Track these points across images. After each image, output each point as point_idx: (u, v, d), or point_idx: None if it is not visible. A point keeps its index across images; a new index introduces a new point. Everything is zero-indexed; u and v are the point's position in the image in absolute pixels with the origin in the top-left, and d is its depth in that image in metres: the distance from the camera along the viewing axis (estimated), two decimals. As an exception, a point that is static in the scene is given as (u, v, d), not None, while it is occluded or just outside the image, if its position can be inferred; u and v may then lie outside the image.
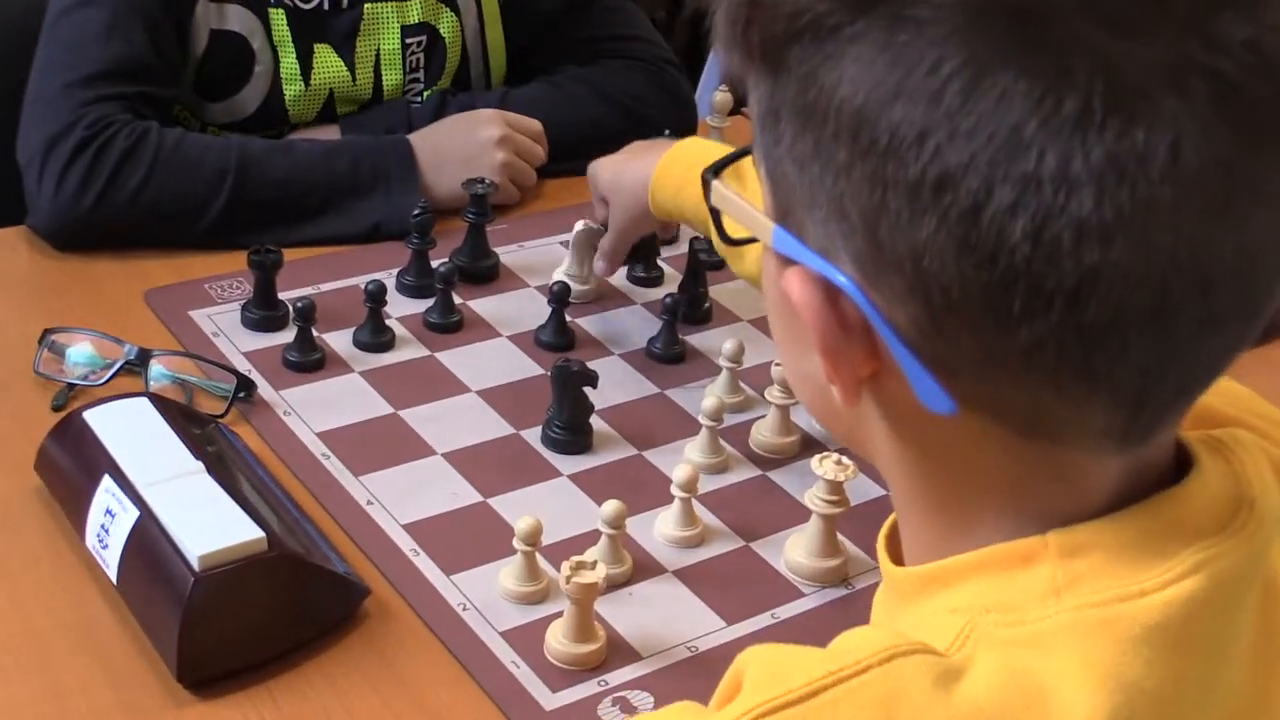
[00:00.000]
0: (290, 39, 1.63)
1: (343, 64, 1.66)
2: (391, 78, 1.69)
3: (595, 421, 1.30)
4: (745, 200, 0.66)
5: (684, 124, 1.76)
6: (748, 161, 0.68)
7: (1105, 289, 0.53)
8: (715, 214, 0.70)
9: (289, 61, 1.63)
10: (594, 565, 1.04)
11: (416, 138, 1.58)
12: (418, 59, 1.70)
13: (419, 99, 1.70)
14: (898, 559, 0.69)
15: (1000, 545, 0.61)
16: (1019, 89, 0.52)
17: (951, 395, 0.58)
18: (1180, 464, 0.63)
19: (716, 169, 0.70)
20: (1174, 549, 0.59)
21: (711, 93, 1.87)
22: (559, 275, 1.48)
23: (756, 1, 0.59)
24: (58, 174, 1.46)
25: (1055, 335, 0.54)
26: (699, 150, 1.32)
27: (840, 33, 0.56)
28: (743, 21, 0.60)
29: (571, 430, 1.27)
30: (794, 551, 1.17)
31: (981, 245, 0.53)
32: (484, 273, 1.52)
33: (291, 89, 1.64)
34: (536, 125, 1.66)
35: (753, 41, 0.59)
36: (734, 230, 0.69)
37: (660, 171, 1.32)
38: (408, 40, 1.69)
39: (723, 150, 1.11)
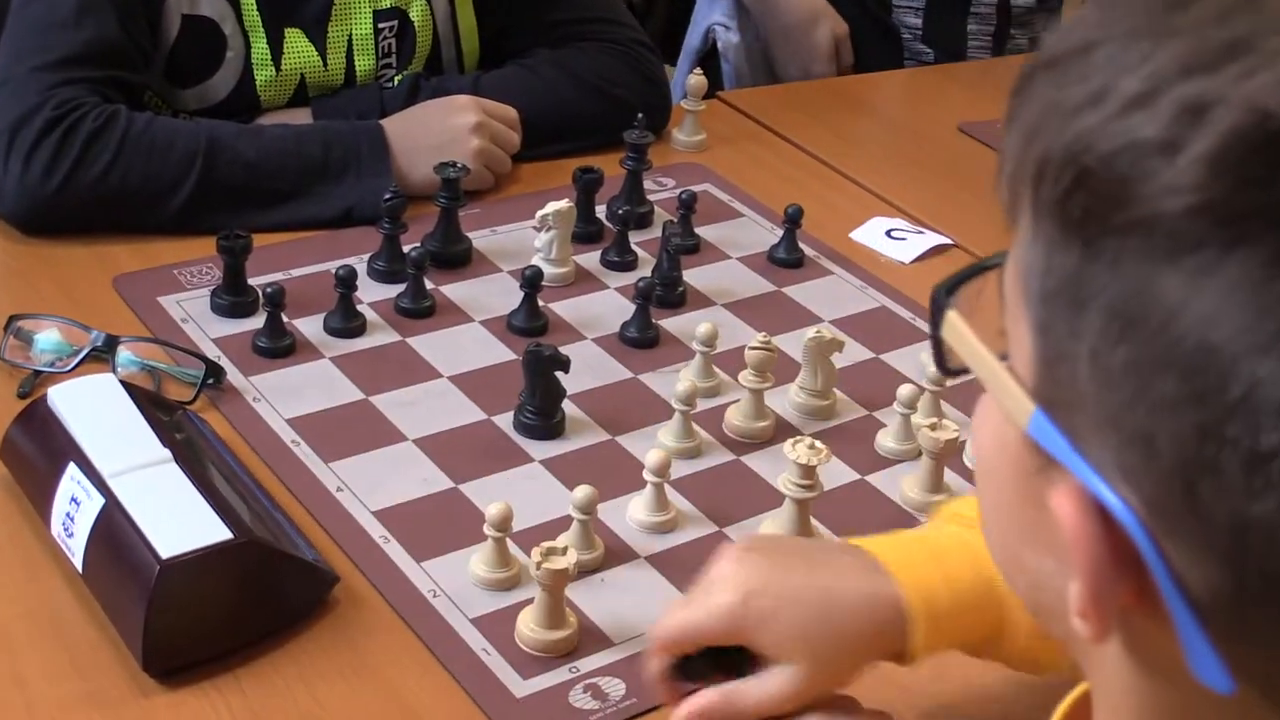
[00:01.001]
0: (261, 23, 1.61)
1: (314, 49, 1.64)
2: (364, 63, 1.68)
3: (567, 406, 1.29)
4: (991, 356, 0.57)
5: (659, 108, 1.75)
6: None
7: None
8: (938, 341, 0.61)
9: (260, 46, 1.62)
10: (565, 551, 1.03)
11: (389, 123, 1.57)
12: (390, 44, 1.69)
13: (391, 84, 1.69)
14: None
15: None
16: None
17: (1230, 672, 0.50)
18: None
19: (950, 287, 0.61)
20: None
21: (686, 76, 1.86)
22: (536, 260, 1.47)
23: (1092, 176, 0.49)
24: (24, 156, 1.44)
25: None
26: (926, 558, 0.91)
27: (1206, 252, 0.46)
28: (1062, 187, 0.50)
29: (544, 415, 1.27)
30: (770, 533, 1.17)
31: None
32: (456, 257, 1.51)
33: (263, 74, 1.62)
34: (512, 113, 1.65)
35: (1069, 212, 0.50)
36: (958, 360, 0.61)
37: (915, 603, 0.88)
38: (380, 25, 1.67)
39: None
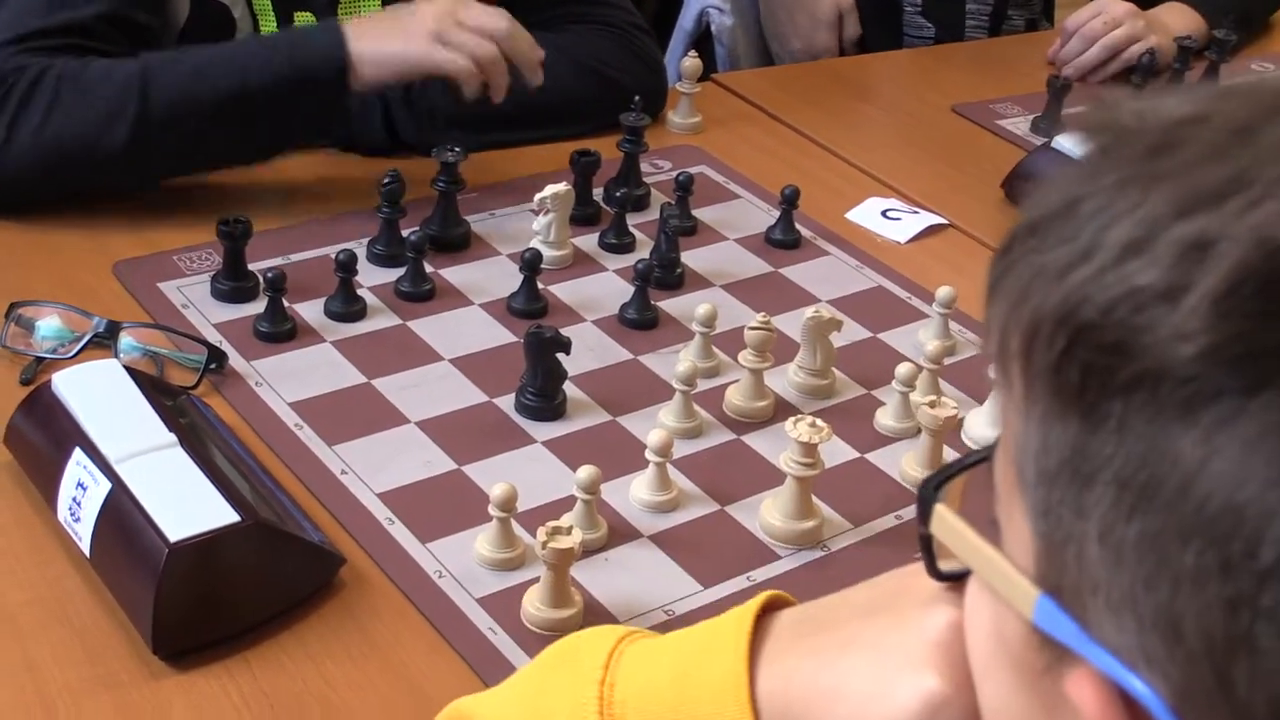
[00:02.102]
0: (271, 7, 1.61)
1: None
2: None
3: (569, 388, 1.30)
4: (986, 543, 0.54)
5: (655, 90, 1.76)
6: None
7: None
8: (926, 541, 0.58)
9: (269, 28, 1.62)
10: (570, 531, 1.04)
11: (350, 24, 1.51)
12: None
13: None
14: None
15: None
16: None
17: None
18: None
19: (938, 483, 0.58)
20: None
21: (680, 59, 1.87)
22: (535, 243, 1.47)
23: (1087, 336, 0.45)
24: None
25: None
26: None
27: (1222, 402, 0.42)
28: (1060, 347, 0.46)
29: (545, 397, 1.27)
30: (769, 514, 1.18)
31: None
32: (455, 241, 1.51)
33: None
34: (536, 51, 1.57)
35: (1067, 377, 0.46)
36: (950, 561, 0.58)
37: None
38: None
39: None
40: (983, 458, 0.57)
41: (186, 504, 1.02)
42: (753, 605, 0.67)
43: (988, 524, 0.55)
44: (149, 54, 1.47)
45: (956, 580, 0.60)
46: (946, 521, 0.57)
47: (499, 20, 1.53)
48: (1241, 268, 0.42)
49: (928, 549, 0.59)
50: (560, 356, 1.27)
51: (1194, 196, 0.44)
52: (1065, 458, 0.47)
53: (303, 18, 1.63)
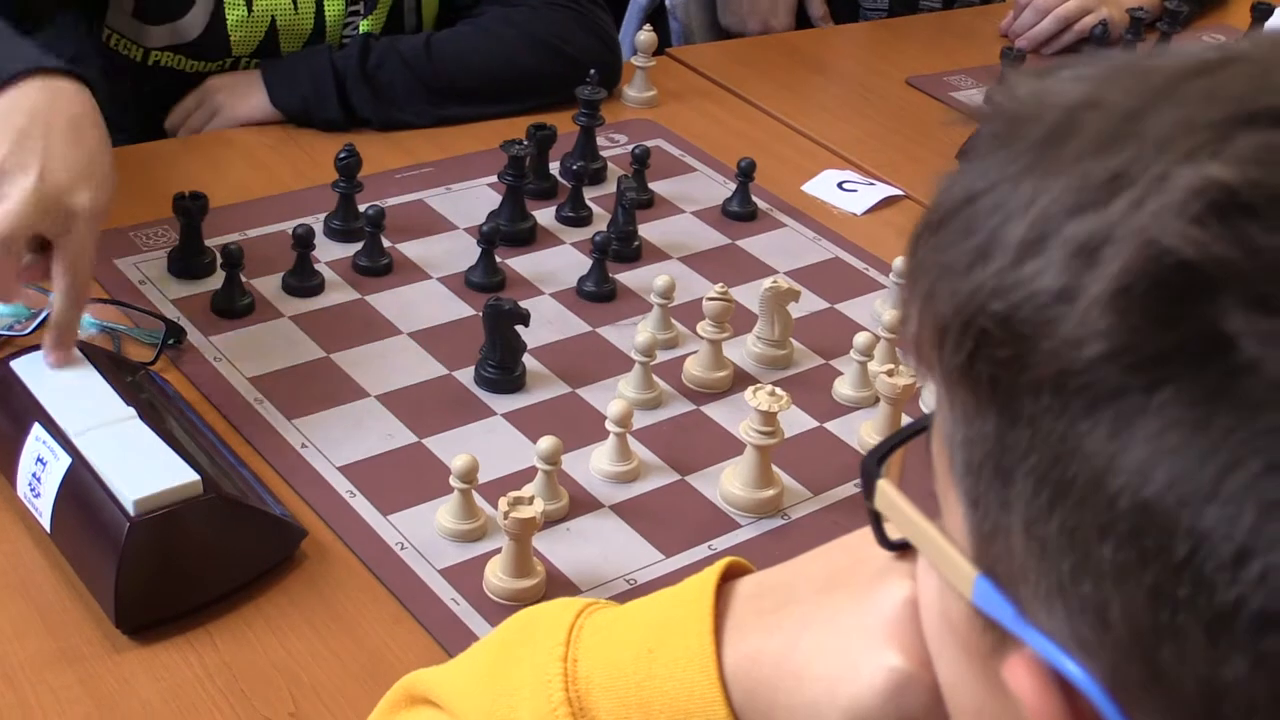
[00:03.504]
0: None
1: None
2: (332, 8, 1.68)
3: (528, 360, 1.30)
4: (928, 523, 0.54)
5: (609, 65, 1.76)
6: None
7: None
8: (875, 515, 0.59)
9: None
10: (531, 501, 1.04)
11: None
12: None
13: (355, 33, 1.70)
14: None
15: None
16: None
17: None
18: None
19: (880, 456, 0.58)
20: None
21: (635, 33, 1.87)
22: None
23: (993, 336, 0.45)
24: None
25: None
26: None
27: (1126, 400, 0.42)
28: (964, 354, 0.47)
29: (504, 369, 1.28)
30: (729, 484, 1.18)
31: None
32: (523, 235, 1.50)
33: (234, 14, 1.63)
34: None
35: (978, 378, 0.46)
36: (897, 531, 0.58)
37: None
38: None
39: None
40: (920, 428, 0.57)
41: (147, 478, 1.02)
42: (712, 575, 0.67)
43: (928, 497, 0.55)
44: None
45: (906, 549, 0.60)
46: (888, 498, 0.57)
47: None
48: (1129, 270, 0.42)
49: (876, 521, 0.59)
50: (519, 329, 1.27)
51: (1083, 194, 0.44)
52: (987, 451, 0.47)
53: None
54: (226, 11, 1.63)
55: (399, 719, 0.72)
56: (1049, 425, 0.44)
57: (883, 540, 0.60)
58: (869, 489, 0.58)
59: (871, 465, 0.58)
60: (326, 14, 1.68)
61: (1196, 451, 0.41)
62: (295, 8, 1.66)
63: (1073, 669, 0.45)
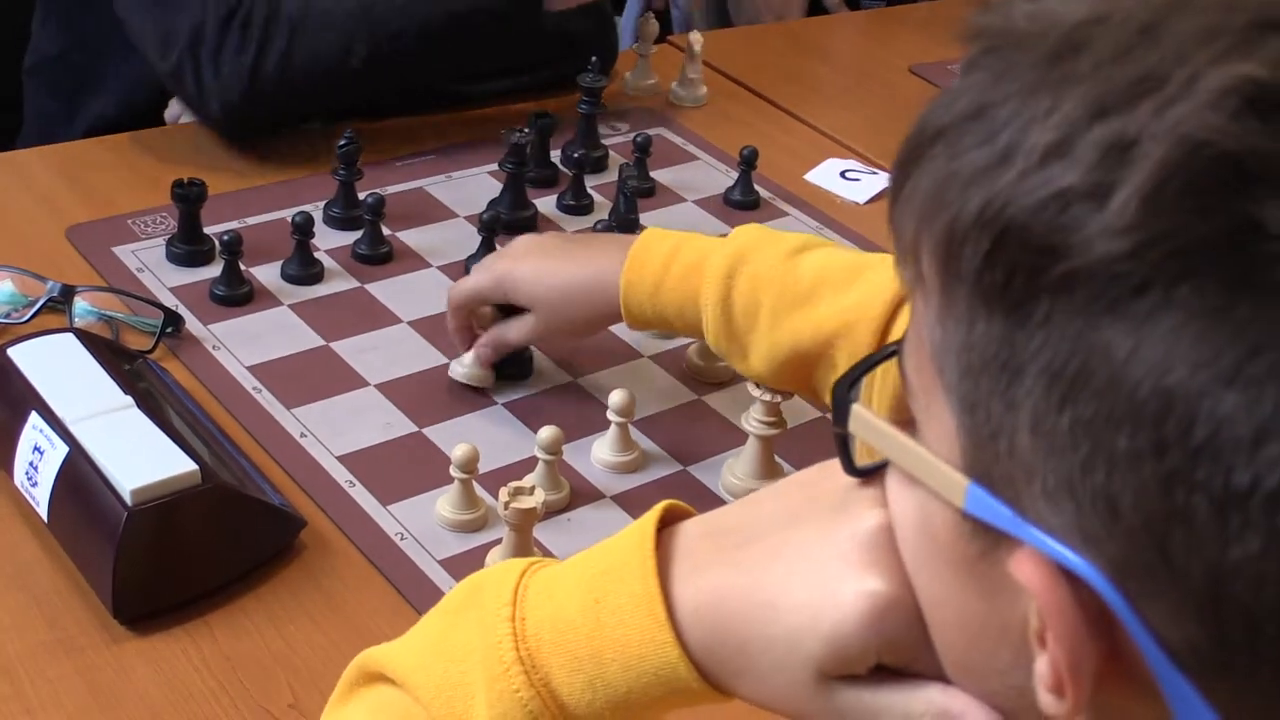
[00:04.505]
0: None
1: None
2: None
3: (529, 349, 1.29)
4: (908, 438, 0.54)
5: (609, 52, 1.75)
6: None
7: None
8: (843, 439, 0.59)
9: None
10: (532, 491, 1.04)
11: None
12: None
13: None
14: None
15: None
16: None
17: None
18: None
19: (851, 381, 0.59)
20: None
21: (635, 19, 1.86)
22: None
23: (1011, 239, 0.46)
24: (212, 61, 1.47)
25: None
26: (665, 246, 1.13)
27: (1147, 295, 0.44)
28: (984, 252, 0.47)
29: (506, 359, 1.27)
30: (731, 474, 1.18)
31: None
32: (524, 223, 1.49)
33: None
34: None
35: (991, 279, 0.47)
36: (865, 455, 0.59)
37: (631, 276, 1.13)
38: None
39: (691, 244, 1.11)
40: (891, 352, 0.58)
41: (145, 467, 1.01)
42: (650, 519, 0.67)
43: (898, 422, 0.56)
44: None
45: (872, 475, 0.60)
46: (865, 419, 0.57)
47: None
48: (1166, 165, 0.44)
49: (844, 447, 0.60)
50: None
51: (1108, 98, 0.45)
52: (991, 353, 0.48)
53: None
54: None
55: (356, 698, 0.72)
56: (1067, 322, 0.45)
57: (849, 467, 0.60)
58: (841, 415, 0.58)
59: (843, 390, 0.59)
60: None
61: (1219, 339, 0.43)
62: None
63: (1077, 561, 0.47)
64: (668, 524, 0.67)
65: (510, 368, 1.26)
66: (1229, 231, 0.43)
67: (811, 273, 1.06)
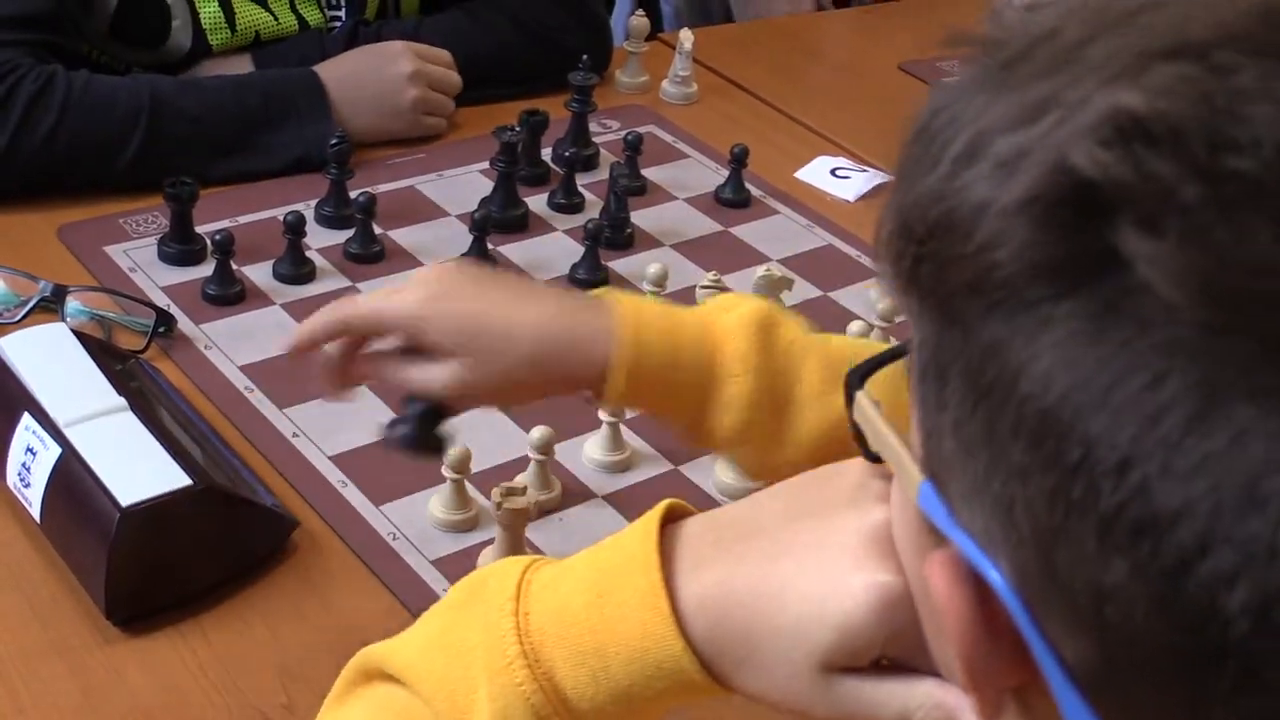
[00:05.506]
0: None
1: (260, 9, 1.63)
2: (312, 16, 1.67)
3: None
4: (890, 431, 0.56)
5: (600, 50, 1.75)
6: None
7: None
8: (858, 428, 0.59)
9: (211, 10, 1.60)
10: (524, 491, 1.04)
11: (324, 69, 1.56)
12: None
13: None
14: None
15: None
16: (1261, 431, 0.41)
17: None
18: None
19: (863, 374, 0.59)
20: None
21: (627, 18, 1.86)
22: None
23: (929, 241, 0.48)
24: None
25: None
26: (655, 307, 0.92)
27: (1037, 309, 0.44)
28: (910, 257, 0.49)
29: (424, 417, 1.25)
30: (723, 473, 1.18)
31: (1186, 610, 0.42)
32: (515, 222, 1.49)
33: (217, 38, 1.62)
34: (446, 55, 1.64)
35: (921, 282, 0.49)
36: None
37: (634, 349, 0.87)
38: None
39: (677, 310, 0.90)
40: (904, 350, 0.58)
41: (138, 468, 1.02)
42: (654, 516, 0.67)
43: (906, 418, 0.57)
44: (153, 81, 1.51)
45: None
46: (863, 410, 0.58)
47: (450, 74, 1.64)
48: (1035, 186, 0.44)
49: (859, 435, 0.60)
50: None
51: (1020, 111, 0.46)
52: (931, 354, 0.49)
53: (240, 2, 1.61)
54: (210, 37, 1.62)
55: (355, 696, 0.72)
56: (977, 328, 0.46)
57: (866, 453, 0.60)
58: (850, 404, 0.59)
59: (854, 381, 0.59)
60: (308, 22, 1.67)
61: (1091, 362, 0.43)
62: (276, 19, 1.65)
63: (989, 570, 0.47)
64: (670, 522, 0.68)
65: (428, 436, 0.93)
66: (1096, 257, 0.43)
67: (845, 342, 1.00)
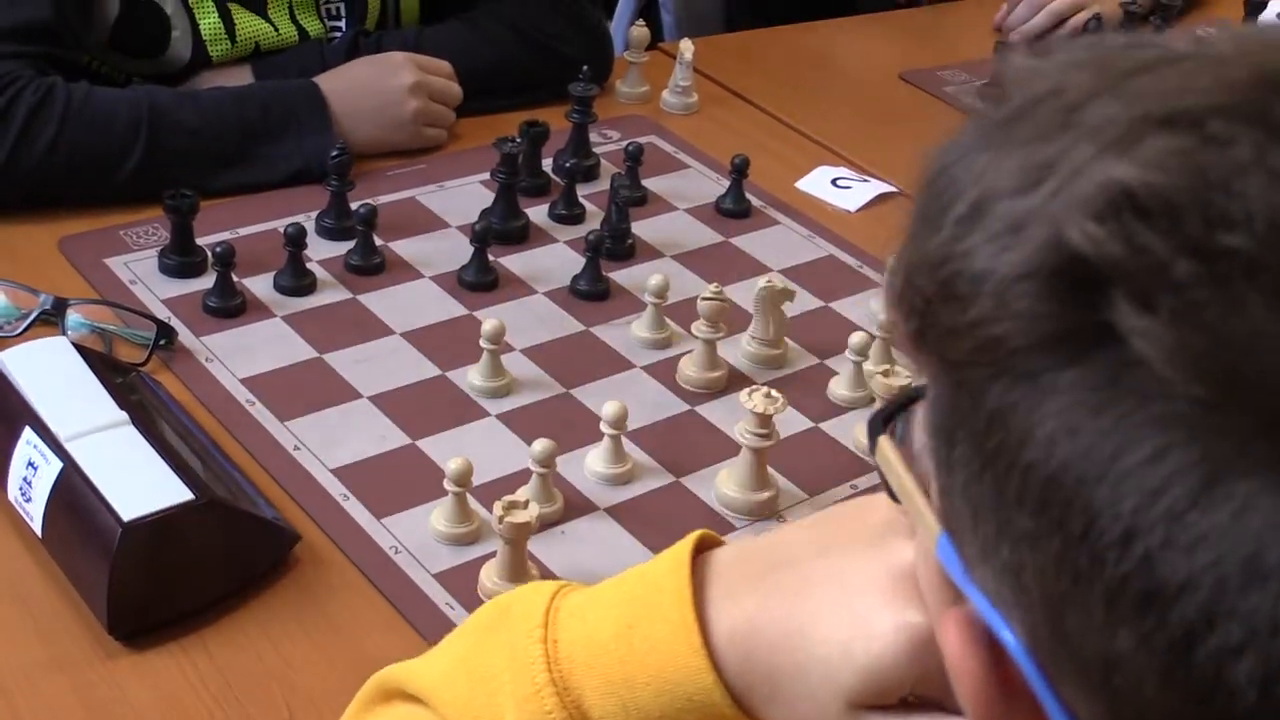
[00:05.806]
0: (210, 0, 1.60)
1: (260, 19, 1.63)
2: (312, 26, 1.67)
3: (521, 361, 1.29)
4: (911, 479, 0.55)
5: (600, 59, 1.75)
6: None
7: None
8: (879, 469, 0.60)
9: (210, 22, 1.60)
10: (526, 504, 1.04)
11: (325, 80, 1.56)
12: (337, 7, 1.69)
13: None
14: None
15: None
16: (1260, 505, 0.41)
17: None
18: None
19: (886, 417, 0.58)
20: None
21: (628, 27, 1.86)
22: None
23: (934, 305, 0.47)
24: None
25: None
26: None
27: (1040, 379, 0.44)
28: (916, 322, 0.49)
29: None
30: (725, 486, 1.18)
31: (1193, 681, 0.42)
32: (516, 233, 1.49)
33: (217, 49, 1.62)
34: (446, 66, 1.64)
35: (929, 345, 0.49)
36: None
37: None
38: None
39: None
40: (920, 395, 0.58)
41: (139, 482, 1.01)
42: (686, 547, 0.67)
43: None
44: (151, 93, 1.50)
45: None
46: (885, 455, 0.58)
47: (451, 85, 1.64)
48: (1032, 258, 0.44)
49: (884, 477, 0.60)
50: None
51: (1021, 176, 0.46)
52: (943, 414, 0.49)
53: (236, 9, 1.61)
54: (210, 48, 1.61)
55: (375, 715, 0.72)
56: (985, 393, 0.46)
57: (891, 495, 0.60)
58: (873, 447, 0.59)
59: (877, 423, 0.59)
60: (308, 32, 1.67)
61: (1093, 433, 0.43)
62: (276, 30, 1.65)
63: (1004, 631, 0.47)
64: (700, 552, 0.68)
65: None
66: (1094, 330, 0.43)
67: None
